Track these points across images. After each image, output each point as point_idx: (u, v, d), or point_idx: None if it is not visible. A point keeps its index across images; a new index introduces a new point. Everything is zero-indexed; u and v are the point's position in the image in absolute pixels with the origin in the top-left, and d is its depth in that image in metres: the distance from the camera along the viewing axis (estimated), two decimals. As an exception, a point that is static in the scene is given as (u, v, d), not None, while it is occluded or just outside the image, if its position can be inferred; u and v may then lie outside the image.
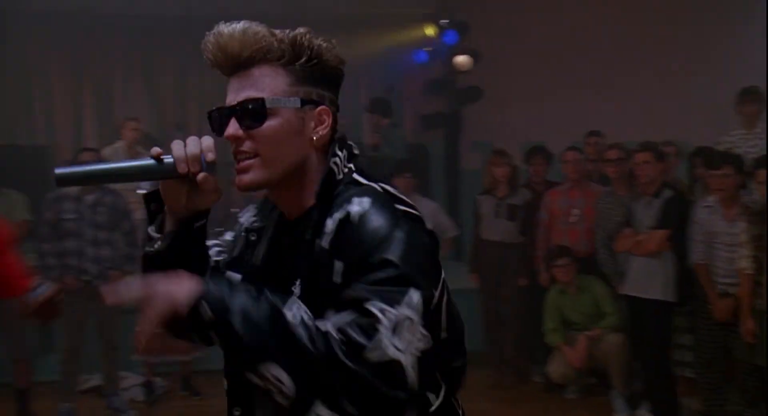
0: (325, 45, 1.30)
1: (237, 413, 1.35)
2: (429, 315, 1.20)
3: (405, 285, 1.17)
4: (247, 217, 1.43)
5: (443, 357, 1.32)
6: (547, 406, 5.20)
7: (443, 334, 1.31)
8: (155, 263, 1.31)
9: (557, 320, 5.11)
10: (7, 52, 7.84)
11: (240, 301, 1.15)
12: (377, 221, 1.20)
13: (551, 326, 5.12)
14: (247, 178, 1.28)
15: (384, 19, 8.74)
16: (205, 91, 8.72)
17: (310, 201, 1.29)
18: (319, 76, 1.30)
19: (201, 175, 1.26)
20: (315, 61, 1.29)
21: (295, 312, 1.17)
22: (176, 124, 7.92)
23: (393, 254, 1.18)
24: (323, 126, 1.30)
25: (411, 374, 1.15)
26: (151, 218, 1.35)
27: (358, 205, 1.22)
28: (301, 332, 1.14)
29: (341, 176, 1.30)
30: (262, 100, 1.25)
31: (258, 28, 1.27)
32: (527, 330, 5.52)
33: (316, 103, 1.29)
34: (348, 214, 1.21)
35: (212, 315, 1.14)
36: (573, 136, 6.12)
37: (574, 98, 7.38)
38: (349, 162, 1.32)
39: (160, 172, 1.25)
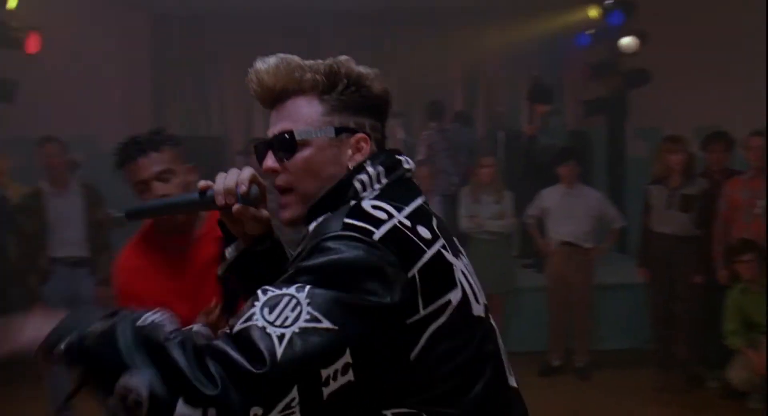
0: (365, 72, 1.29)
1: None
2: (365, 319, 1.07)
3: (304, 281, 1.09)
4: None
5: (408, 384, 1.15)
6: (724, 415, 4.79)
7: (412, 356, 1.14)
8: (227, 282, 1.39)
9: (738, 321, 4.69)
10: (187, 52, 8.42)
11: (92, 324, 1.09)
12: (314, 236, 1.16)
13: (732, 327, 4.70)
14: (287, 214, 1.29)
15: (545, 2, 8.45)
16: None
17: None
18: (358, 103, 1.29)
19: (235, 208, 1.29)
20: (353, 89, 1.28)
21: (151, 317, 1.10)
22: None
23: (303, 264, 1.11)
24: (360, 153, 1.28)
25: (278, 349, 1.02)
26: (228, 241, 1.41)
27: (315, 222, 1.22)
28: (156, 333, 1.06)
29: (367, 193, 1.25)
30: (291, 132, 1.26)
31: (291, 60, 1.28)
32: (702, 331, 5.11)
33: (353, 131, 1.28)
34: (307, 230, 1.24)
35: (64, 344, 1.08)
36: (750, 120, 5.59)
37: (749, 80, 6.73)
38: (387, 176, 1.27)
39: (203, 205, 1.32)
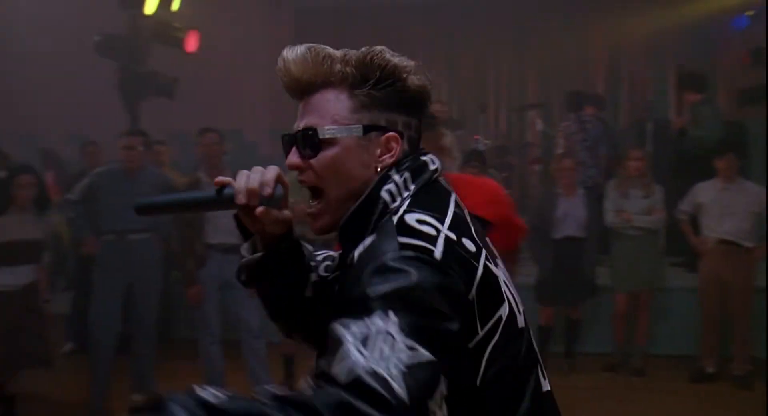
0: (401, 64, 1.19)
1: None
2: (446, 348, 1.01)
3: (381, 308, 1.00)
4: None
5: (478, 411, 1.10)
6: None
7: (478, 381, 1.10)
8: (251, 281, 1.31)
9: None
10: (330, 46, 8.62)
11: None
12: (368, 259, 1.08)
13: None
14: (317, 225, 1.23)
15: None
16: (502, 72, 8.76)
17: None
18: (391, 98, 1.19)
19: (258, 210, 1.20)
20: (386, 82, 1.18)
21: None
22: (478, 105, 8.01)
23: (374, 289, 1.02)
24: (390, 154, 1.19)
25: (398, 389, 0.94)
26: (245, 237, 1.32)
27: (362, 245, 1.13)
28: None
29: (397, 203, 1.17)
30: (315, 129, 1.18)
31: (321, 50, 1.20)
32: None
33: (384, 129, 1.19)
34: (352, 256, 1.14)
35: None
36: None
37: None
38: (414, 181, 1.19)
39: (219, 204, 1.22)
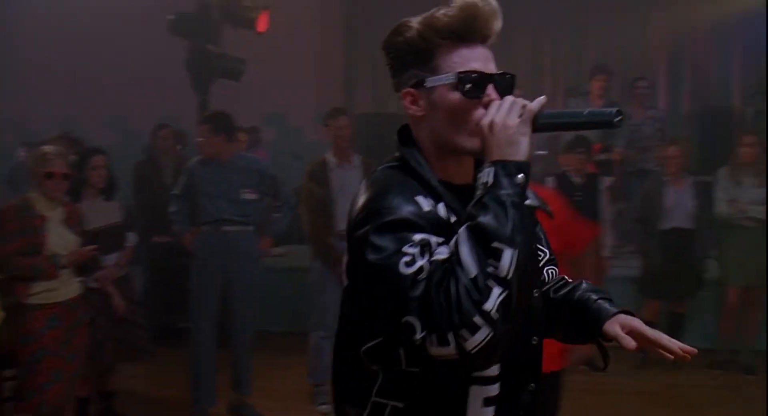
0: None
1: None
2: None
3: None
4: (422, 207, 1.25)
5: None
6: None
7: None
8: None
9: None
10: (380, 31, 8.33)
11: None
12: None
13: None
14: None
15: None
16: (559, 59, 8.50)
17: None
18: None
19: None
20: None
21: None
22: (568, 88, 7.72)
23: None
24: None
25: None
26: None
27: None
28: None
29: None
30: (514, 76, 1.33)
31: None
32: None
33: None
34: None
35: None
36: None
37: None
38: None
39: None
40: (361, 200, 1.27)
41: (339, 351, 1.40)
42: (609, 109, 1.24)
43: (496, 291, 1.12)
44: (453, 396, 1.28)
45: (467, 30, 1.28)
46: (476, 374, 1.27)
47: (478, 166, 1.31)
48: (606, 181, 5.33)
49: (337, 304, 4.46)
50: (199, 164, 4.44)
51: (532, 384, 1.37)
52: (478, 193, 1.20)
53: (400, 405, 1.28)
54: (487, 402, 1.30)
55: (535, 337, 1.37)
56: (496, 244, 1.14)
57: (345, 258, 1.32)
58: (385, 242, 1.19)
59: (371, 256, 1.20)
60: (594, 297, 1.44)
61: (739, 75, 8.15)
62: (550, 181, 5.32)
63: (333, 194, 4.41)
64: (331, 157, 4.50)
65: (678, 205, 5.11)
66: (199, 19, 5.85)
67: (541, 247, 1.50)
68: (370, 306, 1.26)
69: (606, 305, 1.43)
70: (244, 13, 6.03)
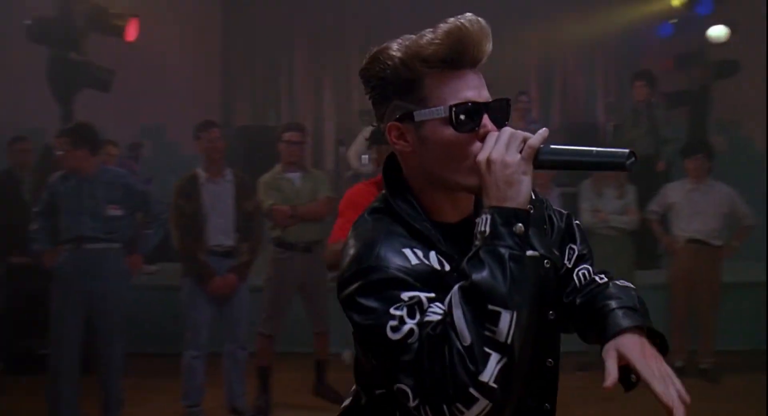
0: None
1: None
2: None
3: None
4: (410, 260, 1.16)
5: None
6: None
7: None
8: None
9: None
10: (258, 42, 8.23)
11: None
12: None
13: None
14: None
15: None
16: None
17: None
18: None
19: None
20: None
21: None
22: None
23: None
24: None
25: None
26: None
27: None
28: None
29: None
30: (509, 101, 1.25)
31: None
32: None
33: None
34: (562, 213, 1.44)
35: None
36: None
37: None
38: None
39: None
40: (348, 256, 1.18)
41: (359, 391, 1.33)
42: (621, 150, 1.13)
43: (494, 358, 1.03)
44: None
45: (456, 56, 1.17)
46: None
47: (479, 198, 1.21)
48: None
49: (210, 322, 4.32)
50: (60, 179, 4.19)
51: (547, 405, 1.31)
52: (476, 243, 1.10)
53: None
54: None
55: (550, 360, 1.31)
56: (491, 307, 1.04)
57: None
58: (372, 303, 1.11)
59: (357, 318, 1.12)
60: (613, 305, 1.28)
61: (603, 92, 8.64)
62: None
63: (204, 209, 4.29)
64: (201, 172, 4.37)
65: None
66: (61, 25, 5.53)
67: (572, 245, 1.41)
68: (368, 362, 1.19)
69: (617, 318, 1.26)
70: (111, 21, 5.76)
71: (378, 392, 1.24)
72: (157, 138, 8.88)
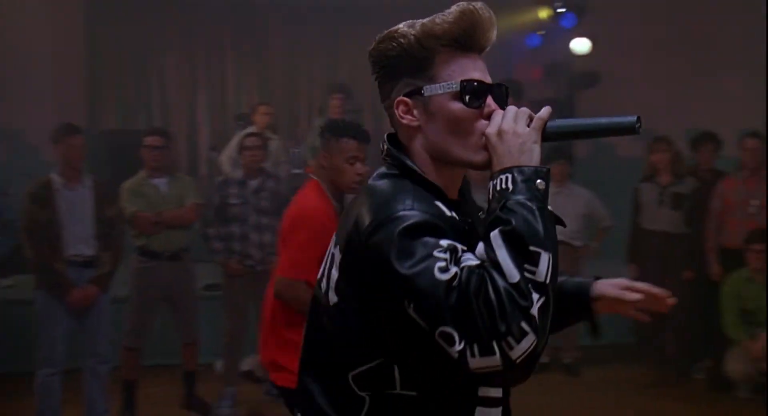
0: None
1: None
2: None
3: None
4: (444, 211, 1.24)
5: None
6: (717, 405, 4.96)
7: None
8: None
9: (736, 311, 4.84)
10: (127, 41, 7.87)
11: None
12: None
13: (732, 319, 4.85)
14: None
15: (495, 2, 8.52)
16: (314, 79, 8.65)
17: None
18: None
19: None
20: None
21: None
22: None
23: None
24: None
25: None
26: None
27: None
28: None
29: None
30: (507, 88, 1.32)
31: None
32: (690, 325, 5.29)
33: None
34: None
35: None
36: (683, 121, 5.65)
37: (681, 83, 7.04)
38: None
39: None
40: (369, 207, 1.17)
41: (310, 383, 1.28)
42: (628, 118, 1.19)
43: (535, 297, 1.07)
44: None
45: (467, 38, 1.24)
46: (482, 394, 1.22)
47: (465, 183, 1.33)
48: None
49: (67, 336, 4.00)
50: None
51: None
52: (497, 199, 1.14)
53: None
54: None
55: None
56: (533, 248, 1.08)
57: (334, 275, 1.23)
58: (414, 247, 1.10)
59: (399, 263, 1.09)
60: (562, 278, 1.45)
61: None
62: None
63: (60, 217, 4.03)
64: (57, 177, 4.11)
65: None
66: None
67: None
68: (380, 322, 1.16)
69: (576, 279, 1.50)
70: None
71: (359, 370, 1.21)
72: (16, 142, 8.30)
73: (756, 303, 4.82)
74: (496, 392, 1.25)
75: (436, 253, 1.09)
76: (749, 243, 4.82)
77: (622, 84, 7.68)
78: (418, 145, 1.27)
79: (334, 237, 1.30)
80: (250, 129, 6.18)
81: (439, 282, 1.07)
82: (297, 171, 6.46)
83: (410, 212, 1.14)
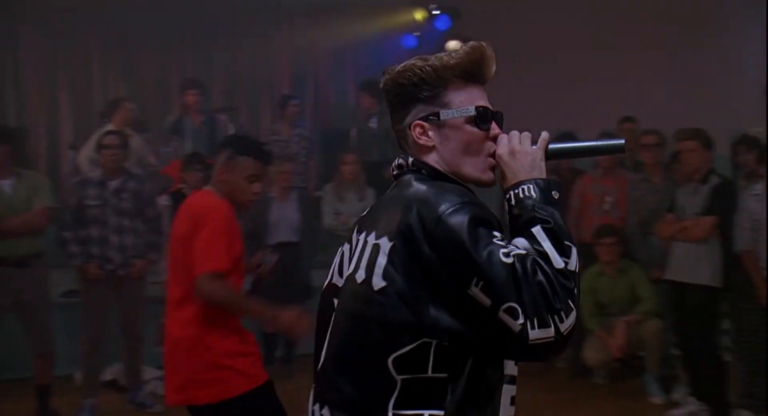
0: None
1: None
2: None
3: None
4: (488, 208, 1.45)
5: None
6: (576, 392, 5.20)
7: None
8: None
9: (591, 303, 5.07)
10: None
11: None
12: None
13: (587, 311, 5.09)
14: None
15: (372, 3, 8.56)
16: (187, 75, 8.37)
17: None
18: None
19: None
20: None
21: None
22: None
23: None
24: None
25: None
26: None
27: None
28: None
29: None
30: (502, 115, 1.53)
31: None
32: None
33: None
34: None
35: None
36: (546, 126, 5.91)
37: (553, 88, 7.33)
38: None
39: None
40: (430, 197, 1.34)
41: (337, 375, 1.39)
42: (618, 140, 1.48)
43: (571, 282, 1.28)
44: (489, 397, 1.35)
45: (476, 69, 1.46)
46: (508, 372, 1.38)
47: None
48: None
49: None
50: None
51: None
52: (520, 205, 1.35)
53: (439, 413, 1.30)
54: (513, 401, 1.41)
55: None
56: (566, 242, 1.30)
57: (380, 262, 1.33)
58: (481, 234, 1.28)
59: (473, 247, 1.26)
60: None
61: (354, 98, 8.86)
62: (165, 199, 5.16)
63: None
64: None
65: (284, 220, 5.31)
66: None
67: None
68: (437, 301, 1.29)
69: None
70: None
71: (400, 352, 1.31)
72: None
73: (607, 296, 5.08)
74: (515, 370, 1.42)
75: (496, 241, 1.28)
76: (599, 237, 5.05)
77: (496, 88, 7.87)
78: (432, 162, 1.46)
79: (360, 230, 1.46)
80: (109, 126, 5.88)
81: (506, 264, 1.25)
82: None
83: (470, 205, 1.33)
